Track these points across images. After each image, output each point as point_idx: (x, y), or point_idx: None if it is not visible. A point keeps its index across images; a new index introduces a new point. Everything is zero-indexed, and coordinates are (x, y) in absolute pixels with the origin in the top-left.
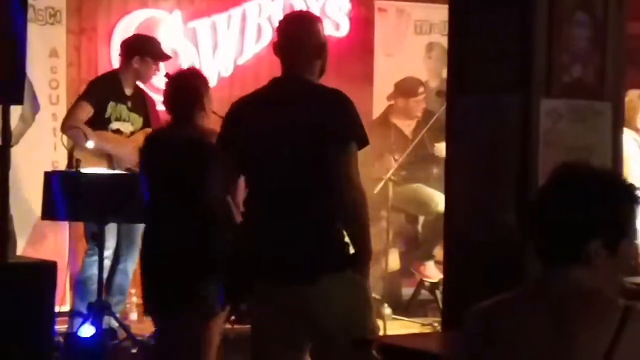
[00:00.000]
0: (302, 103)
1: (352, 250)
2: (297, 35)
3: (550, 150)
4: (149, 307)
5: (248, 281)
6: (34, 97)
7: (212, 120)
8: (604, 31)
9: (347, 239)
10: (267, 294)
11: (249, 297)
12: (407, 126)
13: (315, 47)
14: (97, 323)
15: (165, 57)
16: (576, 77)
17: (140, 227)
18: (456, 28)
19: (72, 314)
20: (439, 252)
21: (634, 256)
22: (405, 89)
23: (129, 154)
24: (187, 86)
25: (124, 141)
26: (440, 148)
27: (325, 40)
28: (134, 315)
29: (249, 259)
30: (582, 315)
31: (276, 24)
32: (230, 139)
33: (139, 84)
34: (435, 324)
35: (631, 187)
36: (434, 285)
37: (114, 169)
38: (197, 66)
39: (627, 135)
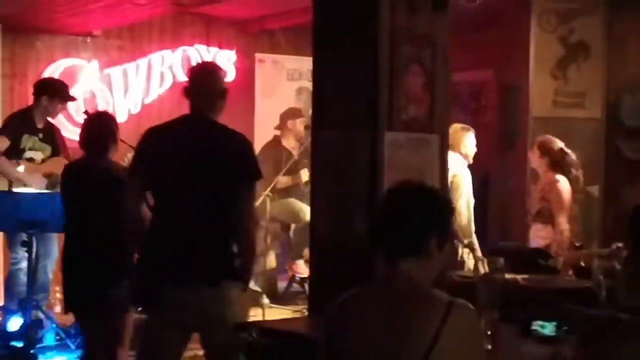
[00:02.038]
0: (212, 141)
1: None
2: (206, 81)
3: (392, 172)
4: (69, 306)
5: (157, 284)
6: None
7: (121, 147)
8: (432, 79)
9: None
10: (172, 292)
11: (156, 296)
12: (292, 148)
13: (219, 92)
14: (27, 316)
15: (70, 99)
16: (412, 115)
17: (53, 234)
18: (319, 76)
19: (4, 309)
20: (307, 252)
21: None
22: (292, 113)
23: (38, 179)
24: (103, 126)
25: (36, 168)
26: (306, 173)
27: (226, 86)
28: (57, 308)
29: (160, 265)
30: (413, 307)
31: (176, 72)
32: (142, 164)
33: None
34: (304, 311)
35: (449, 200)
36: (303, 280)
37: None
38: (110, 105)
39: (456, 157)
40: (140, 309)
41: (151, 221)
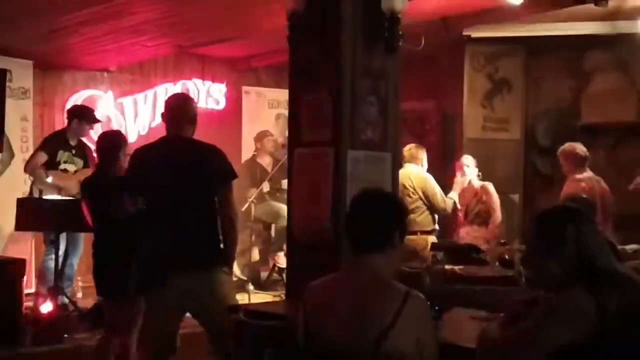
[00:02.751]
0: (194, 155)
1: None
2: (180, 108)
3: (353, 183)
4: (100, 292)
5: (161, 272)
6: (10, 148)
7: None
8: (386, 108)
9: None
10: (172, 278)
11: (157, 283)
12: (267, 164)
13: (191, 117)
14: (54, 300)
15: (95, 121)
16: (369, 137)
17: (81, 234)
18: (294, 104)
19: (36, 294)
20: (286, 246)
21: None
22: (260, 135)
23: (72, 186)
24: (111, 142)
25: (68, 177)
26: (285, 182)
27: (196, 112)
28: (79, 294)
29: (161, 257)
30: (376, 295)
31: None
32: (137, 178)
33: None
34: (282, 296)
35: (405, 202)
36: (281, 270)
37: (62, 196)
38: (123, 128)
39: (418, 168)
40: (144, 295)
41: (149, 223)
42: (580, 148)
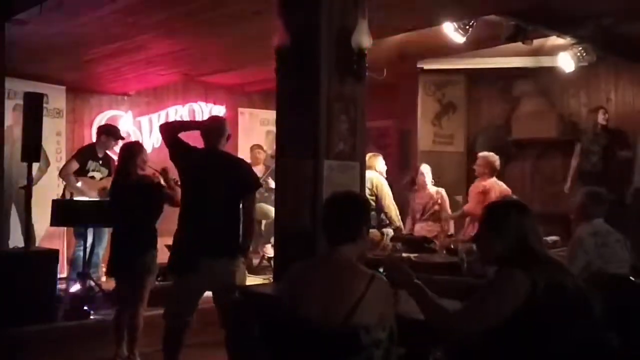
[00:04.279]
0: (226, 164)
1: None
2: (216, 126)
3: (328, 187)
4: (110, 271)
5: (191, 258)
6: (46, 158)
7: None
8: (355, 125)
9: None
10: (202, 264)
11: (189, 267)
12: (259, 171)
13: (225, 133)
14: (82, 283)
15: (120, 137)
16: (341, 149)
17: (105, 229)
18: (280, 123)
19: (68, 278)
20: (273, 239)
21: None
22: (253, 147)
23: (96, 191)
24: (128, 151)
25: (95, 183)
26: (272, 182)
27: (229, 129)
28: (103, 279)
29: (193, 244)
30: (347, 277)
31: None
32: (183, 163)
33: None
34: (270, 279)
35: (370, 202)
36: (270, 258)
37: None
38: (141, 142)
39: (374, 173)
40: (176, 275)
41: (184, 214)
42: (493, 157)
